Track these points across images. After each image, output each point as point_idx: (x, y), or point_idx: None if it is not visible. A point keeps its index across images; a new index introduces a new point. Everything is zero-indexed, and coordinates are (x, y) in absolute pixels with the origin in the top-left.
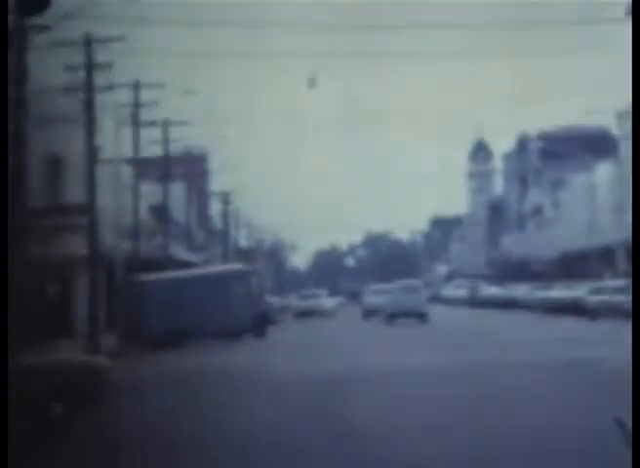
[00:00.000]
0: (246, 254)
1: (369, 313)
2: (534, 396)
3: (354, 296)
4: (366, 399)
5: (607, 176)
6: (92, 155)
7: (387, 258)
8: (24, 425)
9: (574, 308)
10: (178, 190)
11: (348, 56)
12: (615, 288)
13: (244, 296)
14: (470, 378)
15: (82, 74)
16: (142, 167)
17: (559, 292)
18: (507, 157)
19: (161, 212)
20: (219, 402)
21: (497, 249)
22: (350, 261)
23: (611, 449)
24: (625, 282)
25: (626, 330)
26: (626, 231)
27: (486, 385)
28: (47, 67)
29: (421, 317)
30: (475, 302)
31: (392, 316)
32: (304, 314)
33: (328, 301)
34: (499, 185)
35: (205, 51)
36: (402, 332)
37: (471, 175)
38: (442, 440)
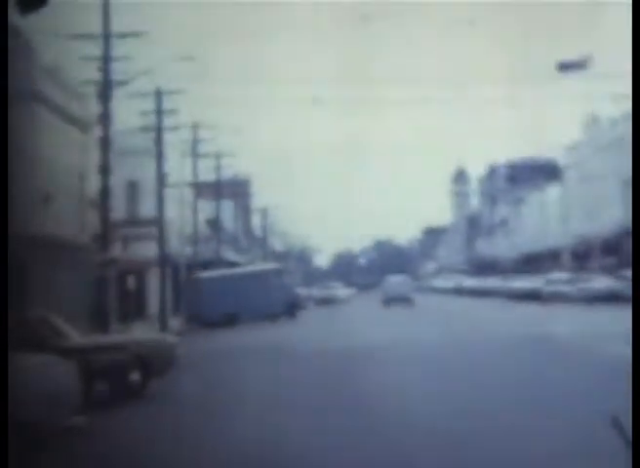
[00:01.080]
0: (280, 256)
1: None
2: (491, 357)
3: (364, 288)
4: (366, 357)
5: (555, 195)
6: (161, 180)
7: (390, 258)
8: (109, 389)
9: (531, 295)
10: (227, 207)
11: (360, 105)
12: (561, 280)
13: (279, 288)
14: (440, 344)
15: (153, 118)
16: (200, 189)
17: (520, 283)
18: (481, 180)
19: (214, 223)
20: (259, 365)
21: (473, 250)
22: (362, 261)
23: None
24: (569, 275)
25: (569, 311)
26: (570, 237)
27: (452, 350)
28: (126, 113)
29: (408, 301)
30: (457, 291)
31: (388, 300)
32: (324, 301)
33: (342, 291)
34: (474, 202)
35: (250, 99)
36: (398, 313)
37: (454, 195)
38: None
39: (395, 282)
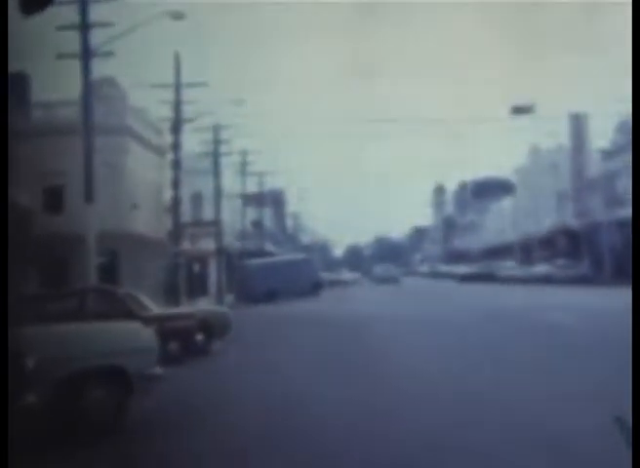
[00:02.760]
0: (306, 248)
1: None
2: (455, 318)
3: (367, 272)
4: (366, 319)
5: (509, 205)
6: (218, 192)
7: (387, 251)
8: (179, 348)
9: (490, 277)
10: (267, 212)
11: (366, 138)
12: (512, 267)
13: (306, 272)
14: (416, 312)
15: (212, 146)
16: (247, 199)
17: (483, 268)
18: (454, 193)
19: (258, 224)
20: (294, 327)
21: (449, 245)
22: (366, 252)
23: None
24: (517, 263)
25: (516, 289)
26: (520, 235)
27: (424, 315)
28: (192, 142)
29: (395, 281)
30: (436, 275)
31: (380, 281)
32: (335, 283)
33: (349, 275)
34: (450, 209)
35: (283, 133)
36: (388, 290)
37: (435, 204)
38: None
39: (382, 268)
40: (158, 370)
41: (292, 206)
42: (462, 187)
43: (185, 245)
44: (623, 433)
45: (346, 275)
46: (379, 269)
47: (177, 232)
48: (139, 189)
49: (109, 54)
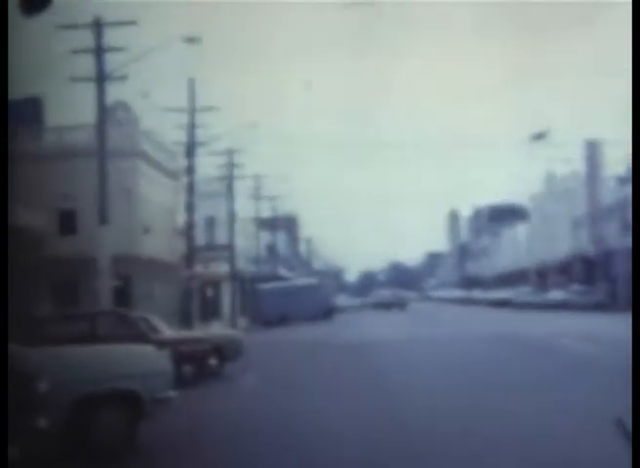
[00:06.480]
0: (319, 273)
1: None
2: (470, 345)
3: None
4: (375, 342)
5: (523, 230)
6: (232, 216)
7: (401, 276)
8: (192, 371)
9: (505, 303)
10: (281, 236)
11: (382, 165)
12: (527, 292)
13: (319, 297)
14: (431, 338)
15: (226, 170)
16: (261, 223)
17: (497, 294)
18: (469, 219)
19: (271, 249)
20: (307, 352)
21: (463, 270)
22: (380, 278)
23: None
24: (532, 289)
25: (531, 315)
26: (535, 260)
27: (441, 340)
28: (206, 166)
29: (401, 306)
30: (450, 300)
31: (382, 306)
32: (350, 308)
33: (354, 301)
34: (464, 235)
35: (297, 156)
36: (398, 315)
37: (449, 229)
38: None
39: (387, 293)
40: (171, 393)
41: (305, 231)
42: (477, 213)
43: (199, 269)
44: (623, 434)
45: (356, 301)
46: (383, 294)
47: (190, 256)
48: (152, 213)
49: (123, 77)
